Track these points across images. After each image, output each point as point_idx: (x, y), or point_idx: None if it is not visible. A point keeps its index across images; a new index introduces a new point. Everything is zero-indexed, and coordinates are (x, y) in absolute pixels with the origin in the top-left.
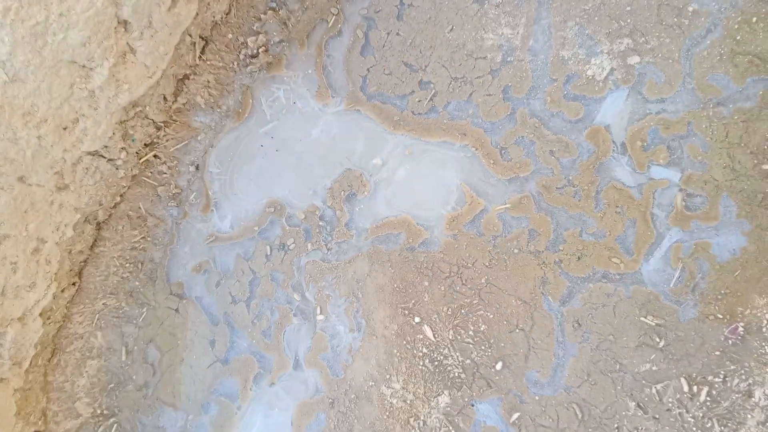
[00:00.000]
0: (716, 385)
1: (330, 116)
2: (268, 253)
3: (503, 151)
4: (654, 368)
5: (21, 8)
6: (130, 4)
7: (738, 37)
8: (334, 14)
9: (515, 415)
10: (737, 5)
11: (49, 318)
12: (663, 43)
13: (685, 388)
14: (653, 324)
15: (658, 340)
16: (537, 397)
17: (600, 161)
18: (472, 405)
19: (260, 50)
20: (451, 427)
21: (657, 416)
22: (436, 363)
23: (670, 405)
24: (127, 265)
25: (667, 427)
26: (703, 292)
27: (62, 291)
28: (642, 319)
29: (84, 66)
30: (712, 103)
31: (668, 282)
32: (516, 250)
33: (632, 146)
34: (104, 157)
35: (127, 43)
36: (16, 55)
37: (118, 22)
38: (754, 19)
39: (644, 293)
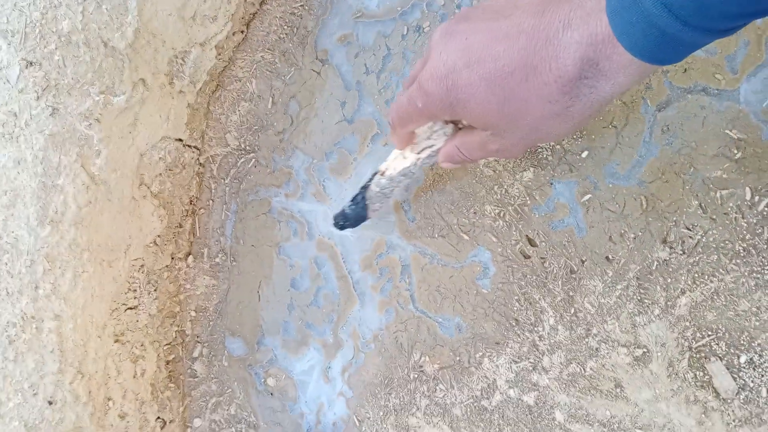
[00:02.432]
0: None
1: None
2: (404, 33)
3: None
4: (724, 176)
5: None
6: None
7: None
8: None
9: (586, 197)
10: None
11: (219, 54)
12: None
13: (747, 197)
14: (735, 137)
15: (735, 152)
16: (610, 185)
17: None
18: (551, 183)
19: None
20: (528, 199)
21: (714, 217)
22: None
23: (728, 209)
24: (285, 27)
25: (720, 227)
26: None
27: (233, 34)
28: (726, 131)
29: None
30: None
31: (762, 102)
32: None
33: None
34: None
35: None
36: None
37: None
38: None
39: (735, 110)
